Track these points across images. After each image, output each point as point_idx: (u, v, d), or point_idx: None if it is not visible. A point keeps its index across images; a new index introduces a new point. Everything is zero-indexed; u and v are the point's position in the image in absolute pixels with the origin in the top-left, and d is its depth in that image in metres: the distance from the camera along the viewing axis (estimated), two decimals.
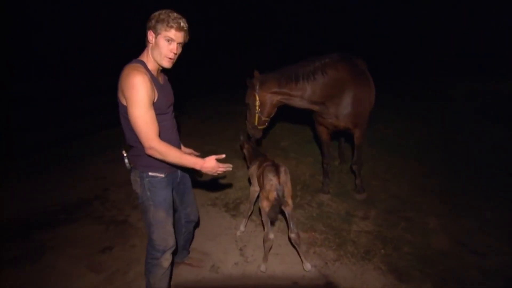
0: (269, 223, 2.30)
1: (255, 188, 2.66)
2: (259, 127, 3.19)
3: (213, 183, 3.81)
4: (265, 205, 2.27)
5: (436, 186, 3.67)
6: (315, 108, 3.10)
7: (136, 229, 3.04)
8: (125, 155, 1.78)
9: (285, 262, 2.55)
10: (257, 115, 3.09)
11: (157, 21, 1.55)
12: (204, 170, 1.71)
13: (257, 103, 3.02)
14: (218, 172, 1.73)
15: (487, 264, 2.45)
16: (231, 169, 1.80)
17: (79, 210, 3.40)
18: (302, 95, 2.97)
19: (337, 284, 2.31)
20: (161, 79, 1.77)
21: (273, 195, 2.19)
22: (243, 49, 13.37)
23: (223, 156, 1.78)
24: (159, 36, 1.57)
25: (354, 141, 3.35)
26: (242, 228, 2.93)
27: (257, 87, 2.98)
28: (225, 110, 7.51)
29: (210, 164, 1.69)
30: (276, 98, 3.03)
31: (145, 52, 1.67)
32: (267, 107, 3.06)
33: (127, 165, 1.79)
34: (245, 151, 3.05)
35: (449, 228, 2.89)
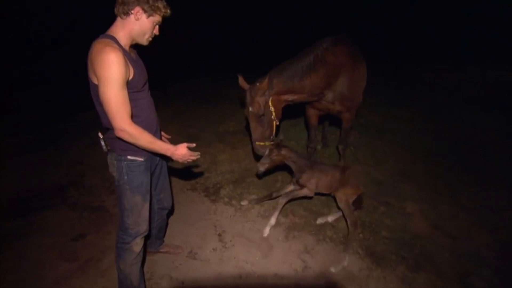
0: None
1: (311, 193, 2.73)
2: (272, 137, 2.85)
3: (193, 167, 3.72)
4: (350, 199, 2.54)
5: (417, 172, 3.70)
6: (314, 99, 2.98)
7: (112, 216, 2.95)
8: (101, 137, 1.70)
9: (263, 249, 2.53)
10: (274, 123, 2.78)
11: (152, 2, 1.48)
12: (174, 157, 1.68)
13: (272, 109, 2.71)
14: (188, 160, 1.73)
15: (458, 246, 2.51)
16: (199, 156, 1.78)
17: (52, 196, 3.26)
18: (306, 89, 2.79)
19: (315, 269, 2.32)
20: (133, 54, 1.65)
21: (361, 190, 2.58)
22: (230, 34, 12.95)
23: (194, 145, 1.76)
24: (150, 18, 1.53)
25: (343, 124, 3.31)
26: (267, 230, 2.69)
27: (267, 92, 2.66)
28: (209, 94, 7.31)
29: (181, 152, 1.67)
30: (284, 98, 2.80)
31: (118, 26, 1.52)
32: (279, 111, 2.79)
33: (104, 147, 1.72)
34: (290, 161, 2.68)
35: (426, 213, 2.94)
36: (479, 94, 7.31)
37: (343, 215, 2.61)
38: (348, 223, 2.50)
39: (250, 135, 2.91)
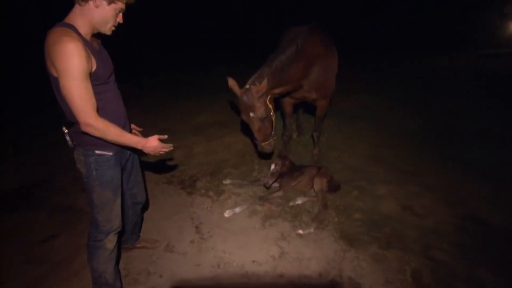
0: None
1: (285, 193, 3.10)
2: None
3: (168, 160, 3.66)
4: (325, 187, 2.97)
5: (387, 156, 3.87)
6: (295, 89, 2.98)
7: (85, 214, 2.84)
8: (66, 132, 1.60)
9: (240, 239, 2.56)
10: (273, 118, 2.76)
11: None
12: (146, 150, 1.64)
13: (270, 106, 2.64)
14: (161, 152, 1.68)
15: (423, 223, 2.68)
16: (172, 148, 1.74)
17: (17, 198, 3.10)
18: (290, 80, 2.77)
19: (292, 254, 2.38)
20: (96, 44, 1.56)
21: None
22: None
23: (165, 136, 1.71)
24: (111, 5, 1.41)
25: (317, 112, 3.37)
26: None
27: (265, 92, 2.53)
28: (183, 87, 7.17)
29: (152, 144, 1.63)
30: (274, 92, 2.73)
31: (77, 14, 1.41)
32: (273, 104, 2.74)
33: (69, 143, 1.62)
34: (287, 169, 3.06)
35: (395, 194, 3.09)
36: (445, 81, 7.71)
37: (317, 198, 2.89)
38: (320, 204, 2.82)
39: (251, 137, 3.01)
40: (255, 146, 2.98)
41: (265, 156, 3.44)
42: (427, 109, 5.57)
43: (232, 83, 2.59)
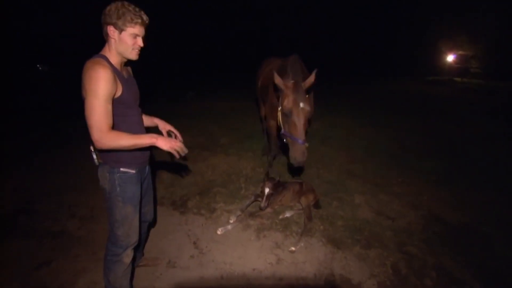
0: None
1: (273, 211, 3.33)
2: None
3: (157, 183, 3.75)
4: (311, 203, 3.27)
5: (360, 170, 4.34)
6: None
7: (78, 238, 2.83)
8: (92, 150, 1.73)
9: (238, 251, 2.73)
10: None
11: (118, 17, 1.53)
12: (158, 145, 1.64)
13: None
14: (175, 148, 1.66)
15: (396, 225, 3.09)
16: (187, 151, 1.75)
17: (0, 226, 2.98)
18: None
19: (287, 260, 2.60)
20: (125, 73, 1.75)
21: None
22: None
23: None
24: (123, 32, 1.57)
25: None
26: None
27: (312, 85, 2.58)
28: (159, 112, 7.27)
29: (164, 139, 1.65)
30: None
31: (106, 47, 1.63)
32: None
33: (95, 160, 1.75)
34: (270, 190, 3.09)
35: (370, 203, 3.50)
36: (401, 102, 8.76)
37: (303, 212, 3.14)
38: (305, 217, 3.07)
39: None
40: (287, 158, 3.00)
41: (297, 170, 3.34)
42: (390, 128, 6.33)
43: (276, 76, 2.65)
